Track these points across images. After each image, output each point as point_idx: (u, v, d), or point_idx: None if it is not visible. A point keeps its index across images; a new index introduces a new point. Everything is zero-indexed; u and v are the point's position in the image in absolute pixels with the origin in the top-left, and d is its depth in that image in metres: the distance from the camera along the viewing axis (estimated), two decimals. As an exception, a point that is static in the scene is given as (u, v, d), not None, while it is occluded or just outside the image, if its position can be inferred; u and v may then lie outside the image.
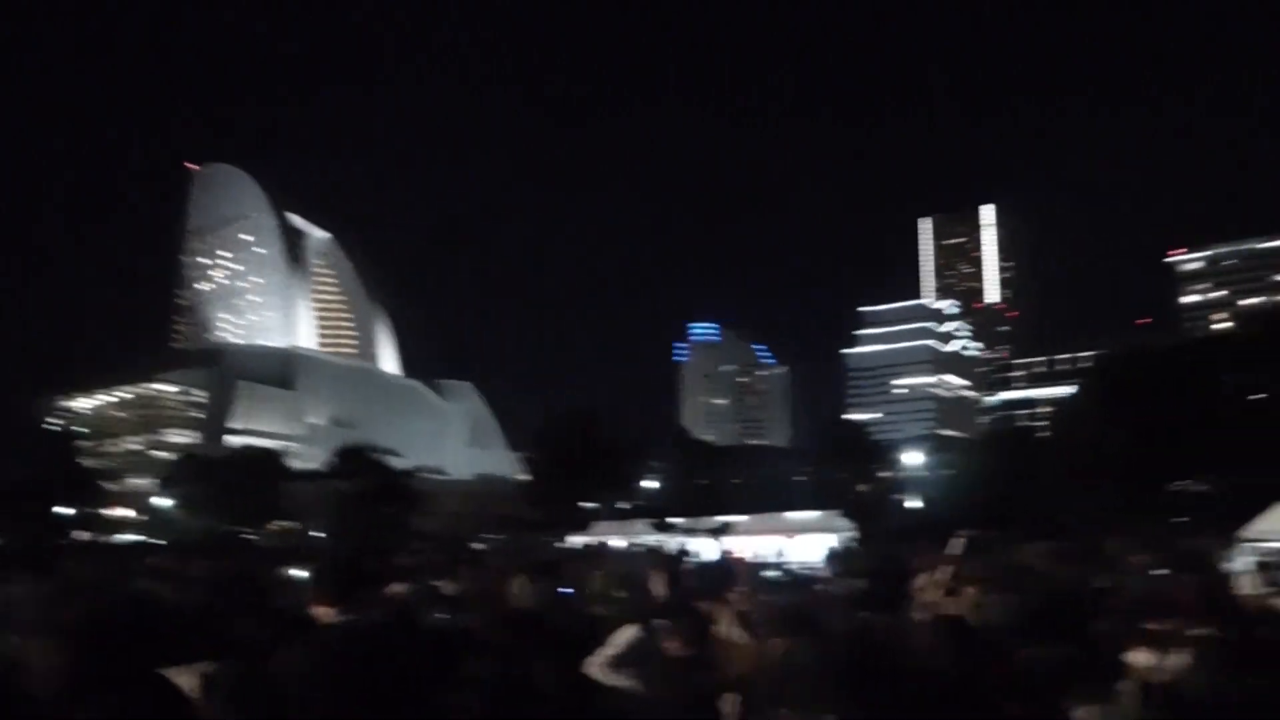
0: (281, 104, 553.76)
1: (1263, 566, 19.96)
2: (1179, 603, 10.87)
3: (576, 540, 38.48)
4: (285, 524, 65.51)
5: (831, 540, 28.68)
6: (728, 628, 6.35)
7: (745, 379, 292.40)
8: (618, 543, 33.18)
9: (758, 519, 36.00)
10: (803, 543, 27.57)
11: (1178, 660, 5.78)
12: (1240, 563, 21.34)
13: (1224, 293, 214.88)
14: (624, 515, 50.66)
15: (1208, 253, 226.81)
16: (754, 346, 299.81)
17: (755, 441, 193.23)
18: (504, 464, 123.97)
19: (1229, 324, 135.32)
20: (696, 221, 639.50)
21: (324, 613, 4.54)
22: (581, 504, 58.26)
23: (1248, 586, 14.62)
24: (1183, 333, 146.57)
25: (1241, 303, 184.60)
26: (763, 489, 55.04)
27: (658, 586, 8.03)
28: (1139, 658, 5.90)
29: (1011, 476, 45.13)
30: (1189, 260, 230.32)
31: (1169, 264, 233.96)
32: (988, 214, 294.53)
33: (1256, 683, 5.40)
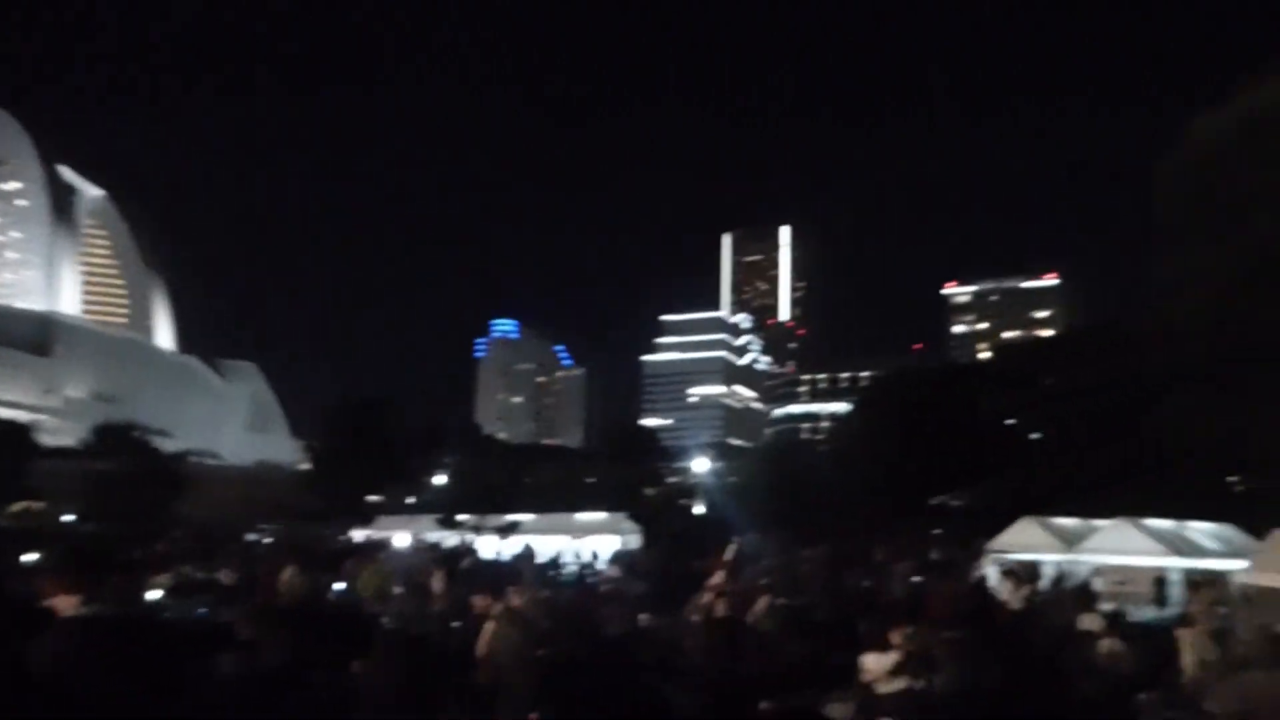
0: (60, 41, 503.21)
1: (1006, 574, 21.84)
2: (933, 607, 11.65)
3: (358, 534, 37.21)
4: (31, 505, 59.67)
5: (617, 542, 29.03)
6: (505, 625, 6.24)
7: (543, 378, 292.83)
8: (402, 538, 32.32)
9: (546, 518, 35.97)
10: (590, 543, 27.75)
11: (912, 663, 6.18)
12: (988, 571, 23.29)
13: (988, 325, 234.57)
14: (410, 510, 49.36)
15: (976, 288, 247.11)
16: (554, 347, 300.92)
17: (549, 441, 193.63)
18: (286, 451, 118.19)
19: (989, 353, 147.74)
20: (507, 217, 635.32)
21: (64, 603, 4.11)
22: (367, 497, 56.39)
23: (1005, 594, 15.93)
24: (951, 359, 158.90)
25: (1003, 334, 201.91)
26: (553, 489, 55.14)
27: (436, 584, 7.82)
28: (871, 660, 6.24)
29: (792, 486, 47.34)
30: (960, 293, 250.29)
31: (944, 295, 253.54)
32: (785, 234, 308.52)
33: (997, 683, 5.84)
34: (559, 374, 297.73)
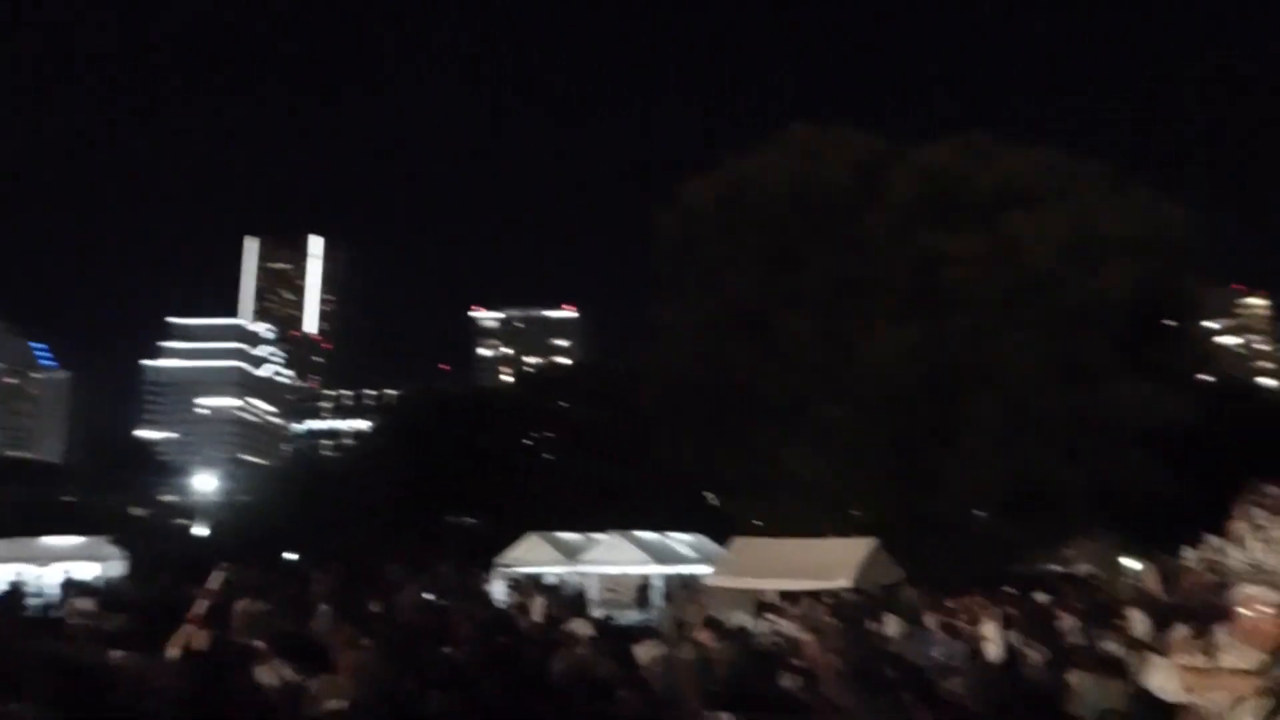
0: None
1: (513, 587, 22.91)
2: (455, 627, 11.86)
3: None
4: None
5: (97, 569, 25.67)
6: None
7: (14, 380, 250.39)
8: None
9: (3, 544, 30.61)
10: (60, 571, 24.15)
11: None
12: (497, 586, 24.23)
13: (511, 351, 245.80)
14: None
15: (502, 314, 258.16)
16: (31, 345, 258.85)
17: (17, 453, 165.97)
18: None
19: (512, 378, 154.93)
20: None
21: None
22: None
23: (537, 613, 16.70)
24: (476, 381, 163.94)
25: (525, 360, 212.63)
26: (20, 509, 47.26)
27: None
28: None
29: (309, 505, 45.44)
30: (487, 318, 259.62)
31: (471, 319, 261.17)
32: (316, 245, 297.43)
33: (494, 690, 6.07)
34: (36, 376, 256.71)
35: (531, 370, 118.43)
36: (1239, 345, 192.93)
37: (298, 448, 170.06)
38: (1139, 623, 13.83)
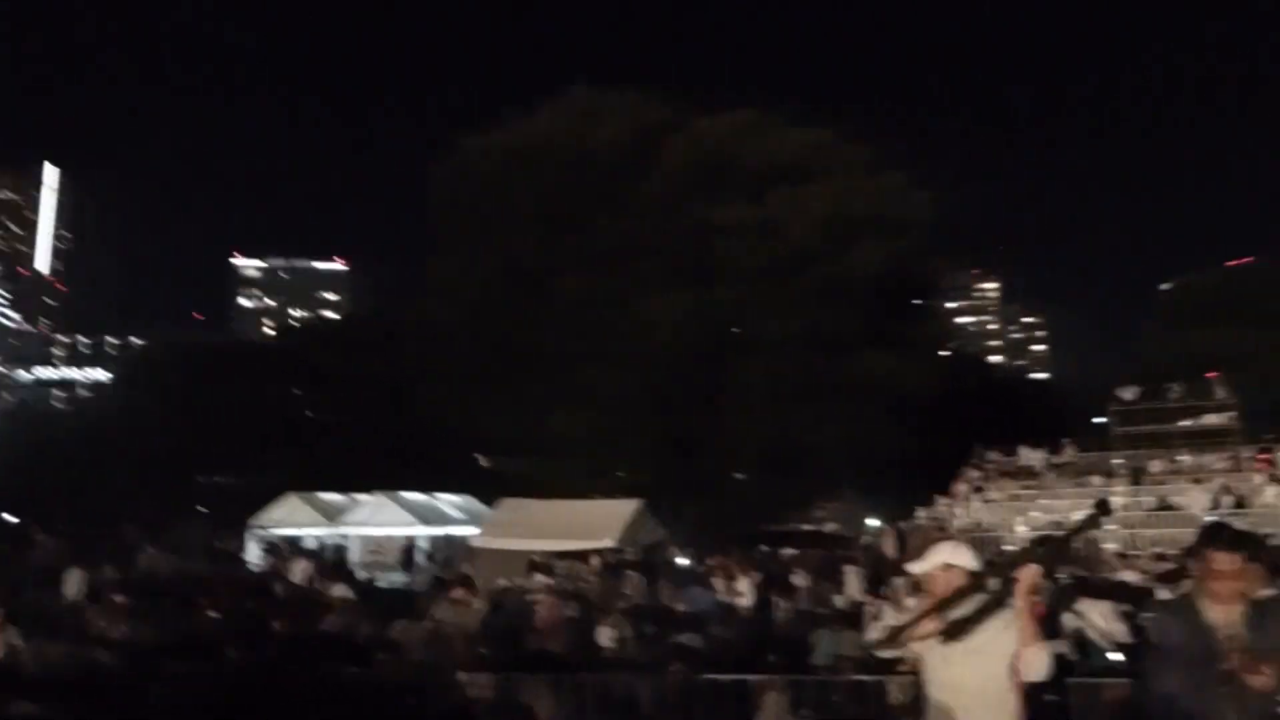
0: None
1: (268, 550, 21.89)
2: (200, 591, 11.22)
3: None
4: None
5: None
6: None
7: None
8: None
9: None
10: None
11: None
12: (252, 549, 23.07)
13: (275, 303, 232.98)
14: None
15: (266, 263, 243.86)
16: None
17: None
18: None
19: (275, 332, 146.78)
20: None
21: None
22: None
23: (297, 576, 15.93)
24: (235, 333, 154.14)
25: (291, 313, 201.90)
26: None
27: None
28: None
29: (35, 462, 41.29)
30: (250, 266, 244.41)
31: (231, 266, 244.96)
32: (51, 175, 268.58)
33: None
34: None
35: (296, 323, 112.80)
36: (974, 324, 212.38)
37: (23, 399, 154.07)
38: (854, 581, 15.26)
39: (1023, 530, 21.09)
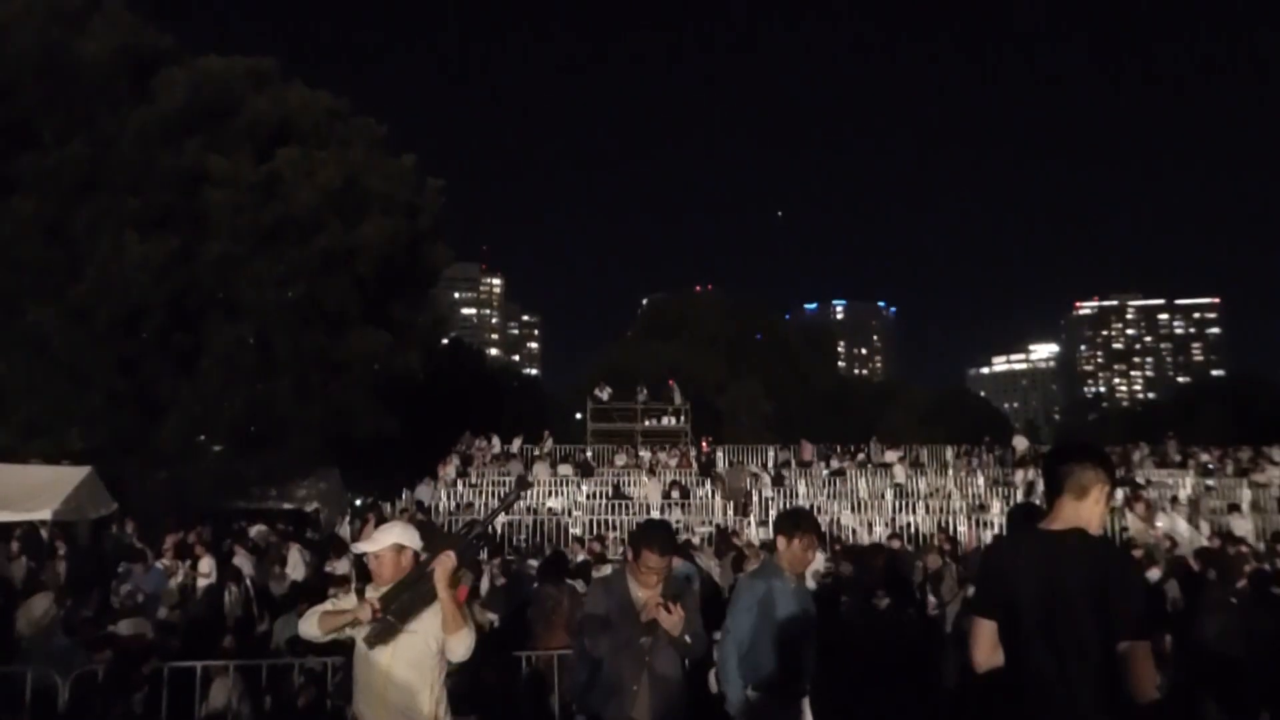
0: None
1: None
2: None
3: None
4: None
5: None
6: None
7: None
8: None
9: None
10: None
11: None
12: None
13: None
14: None
15: None
16: None
17: None
18: None
19: None
20: None
21: None
22: None
23: None
24: None
25: None
26: None
27: None
28: None
29: None
30: None
31: None
32: None
33: None
34: None
35: None
36: (476, 316, 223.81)
37: None
38: (299, 561, 15.34)
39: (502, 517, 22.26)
